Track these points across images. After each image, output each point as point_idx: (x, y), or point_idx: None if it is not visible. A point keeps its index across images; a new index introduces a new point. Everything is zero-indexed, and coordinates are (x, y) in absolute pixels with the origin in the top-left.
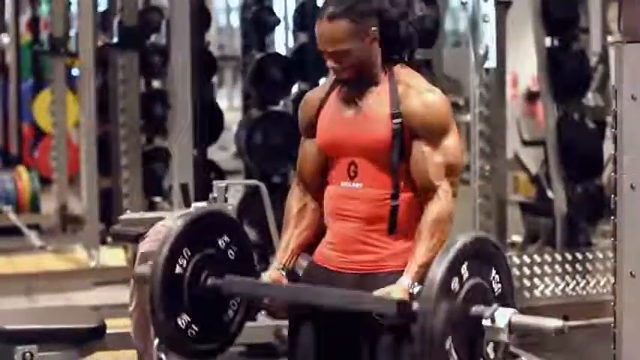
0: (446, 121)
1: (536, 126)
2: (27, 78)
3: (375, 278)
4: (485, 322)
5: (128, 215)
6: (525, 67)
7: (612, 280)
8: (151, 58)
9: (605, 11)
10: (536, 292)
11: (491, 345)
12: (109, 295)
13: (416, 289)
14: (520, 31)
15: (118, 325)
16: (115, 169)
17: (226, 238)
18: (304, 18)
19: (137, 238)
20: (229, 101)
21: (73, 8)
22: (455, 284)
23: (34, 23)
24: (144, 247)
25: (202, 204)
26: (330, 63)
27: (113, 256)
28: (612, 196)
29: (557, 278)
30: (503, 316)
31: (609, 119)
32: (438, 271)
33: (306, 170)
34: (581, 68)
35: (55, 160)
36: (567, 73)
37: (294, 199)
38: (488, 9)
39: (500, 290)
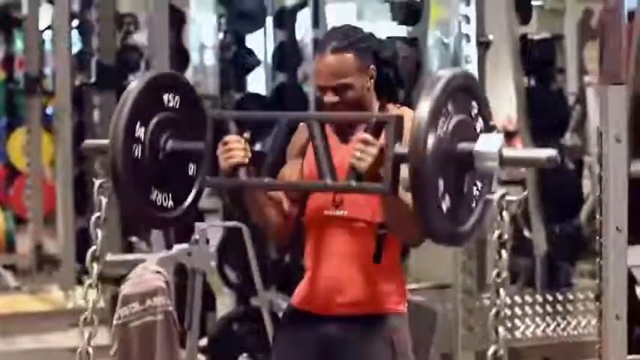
0: None
1: None
2: (0, 116)
3: (359, 322)
4: (477, 148)
5: (109, 257)
6: (500, 106)
7: (593, 321)
8: None
9: (581, 51)
10: (517, 334)
11: (481, 174)
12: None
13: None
14: (494, 71)
15: None
16: (91, 209)
17: (176, 98)
18: (283, 58)
19: (119, 280)
20: None
21: (48, 46)
22: (441, 124)
23: (8, 61)
24: (125, 289)
25: (184, 246)
26: (328, 98)
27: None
28: (597, 238)
29: (537, 319)
30: (494, 142)
31: (587, 159)
32: (424, 111)
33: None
34: (560, 108)
35: (29, 199)
36: (547, 112)
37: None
38: (470, 50)
39: (482, 125)
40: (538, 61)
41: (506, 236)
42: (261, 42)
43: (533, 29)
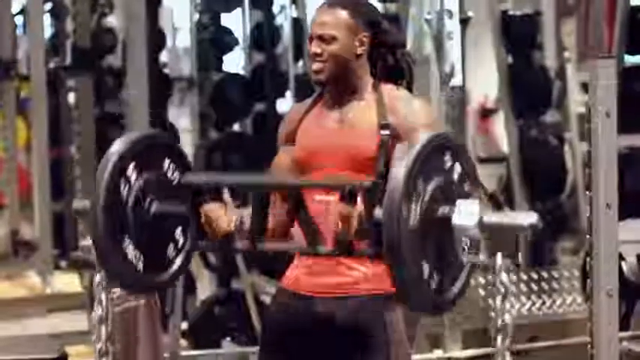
0: (429, 123)
1: (490, 143)
2: None
3: (350, 303)
4: (455, 221)
5: (88, 242)
6: (477, 84)
7: (579, 299)
8: (106, 80)
9: (558, 27)
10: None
11: (463, 243)
12: (65, 322)
13: None
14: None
15: (75, 352)
16: (68, 194)
17: (168, 161)
18: (261, 38)
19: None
20: (177, 123)
21: (20, 30)
22: (419, 186)
23: None
24: None
25: None
26: (312, 47)
27: (67, 282)
28: (587, 215)
29: (522, 298)
30: (472, 213)
31: (567, 135)
32: (398, 176)
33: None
34: (542, 85)
35: (5, 184)
36: (529, 89)
37: None
38: (453, 26)
39: (460, 175)
40: (519, 37)
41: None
42: (238, 22)
43: (509, 6)
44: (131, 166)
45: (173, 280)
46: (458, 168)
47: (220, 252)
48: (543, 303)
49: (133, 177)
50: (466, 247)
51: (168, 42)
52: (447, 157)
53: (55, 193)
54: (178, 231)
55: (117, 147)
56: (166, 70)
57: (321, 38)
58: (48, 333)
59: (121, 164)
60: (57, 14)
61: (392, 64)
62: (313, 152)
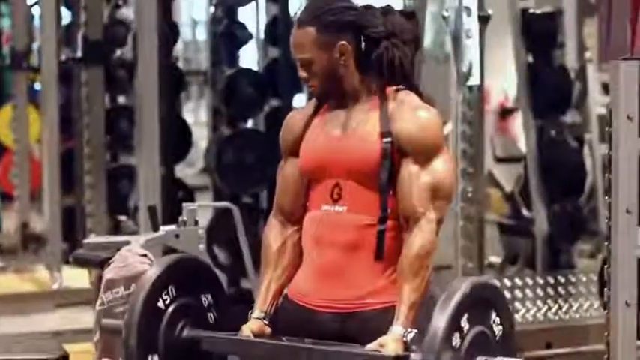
0: (438, 142)
1: (509, 142)
2: None
3: (359, 318)
4: None
5: (93, 239)
6: (497, 83)
7: (596, 304)
8: (117, 73)
9: (580, 27)
10: (518, 317)
11: None
12: (72, 318)
13: (410, 336)
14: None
15: (80, 349)
16: (78, 187)
17: (203, 288)
18: (276, 32)
19: (102, 264)
20: (195, 116)
21: (37, 21)
22: (456, 340)
23: None
24: (109, 273)
25: (171, 227)
26: (299, 73)
27: (76, 277)
28: (606, 221)
29: (538, 302)
30: None
31: (587, 137)
32: (438, 328)
33: (286, 196)
34: (562, 85)
35: (16, 177)
36: (549, 89)
37: (273, 234)
38: (471, 24)
39: (501, 332)
40: (539, 36)
41: None
42: (253, 16)
43: (531, 3)
44: (166, 290)
45: None
46: (497, 324)
47: None
48: (560, 308)
49: (167, 301)
50: None
51: (187, 35)
52: (490, 312)
53: (67, 187)
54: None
55: (155, 270)
56: (179, 64)
57: (302, 62)
58: (54, 330)
59: (156, 287)
60: (71, 5)
61: (383, 56)
62: (319, 163)
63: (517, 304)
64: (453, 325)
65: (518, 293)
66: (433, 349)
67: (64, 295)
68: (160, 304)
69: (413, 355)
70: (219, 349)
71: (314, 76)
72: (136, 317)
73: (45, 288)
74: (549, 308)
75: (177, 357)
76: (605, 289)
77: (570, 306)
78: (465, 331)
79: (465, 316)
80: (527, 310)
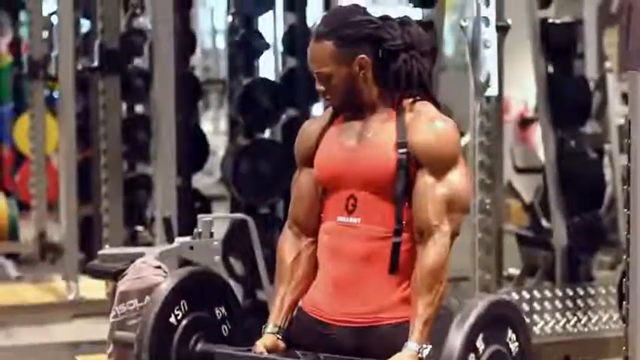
0: (454, 153)
1: (528, 153)
2: (8, 101)
3: (374, 333)
4: None
5: (107, 250)
6: (517, 92)
7: (615, 316)
8: (134, 82)
9: (600, 36)
10: (536, 330)
11: None
12: (88, 329)
13: (425, 352)
14: (510, 56)
15: None
16: (95, 197)
17: (217, 301)
18: (294, 42)
19: (116, 276)
20: (214, 125)
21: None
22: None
23: (15, 45)
24: (123, 285)
25: (186, 239)
26: (317, 86)
27: (94, 288)
28: (625, 233)
29: (557, 315)
30: None
31: (607, 147)
32: (453, 350)
33: (301, 208)
34: (582, 95)
35: (34, 186)
36: (568, 100)
37: (287, 247)
38: (489, 34)
39: (517, 349)
40: (559, 46)
41: None
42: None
43: (551, 13)
44: (178, 305)
45: None
46: (513, 341)
47: None
48: (578, 320)
49: (179, 316)
50: None
51: (208, 43)
52: (506, 329)
53: (84, 196)
54: None
55: (167, 283)
56: (197, 73)
57: (319, 76)
58: (69, 341)
59: (168, 301)
60: (89, 15)
61: (401, 68)
62: (335, 173)
63: (535, 317)
64: (469, 346)
65: (536, 306)
66: None
67: (81, 306)
68: (172, 319)
69: None
70: None
71: (332, 90)
72: (147, 333)
73: (62, 298)
74: (568, 321)
75: None
76: (624, 302)
77: (589, 319)
78: (481, 352)
79: (481, 337)
80: (546, 323)
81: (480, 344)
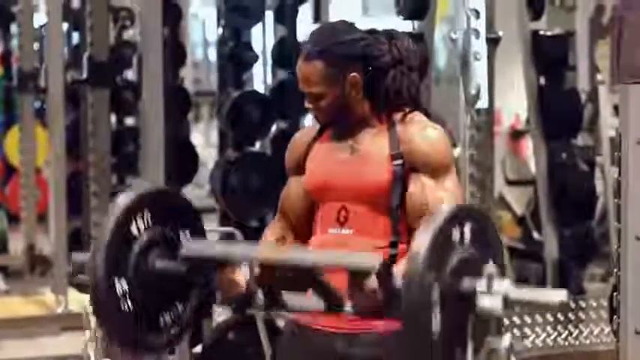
0: (448, 159)
1: (520, 165)
2: None
3: (365, 341)
4: (479, 299)
5: (75, 257)
6: (508, 104)
7: (607, 329)
8: (123, 94)
9: (592, 49)
10: (527, 343)
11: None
12: (77, 342)
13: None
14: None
15: None
16: (85, 209)
17: (182, 223)
18: (283, 54)
19: None
20: (206, 137)
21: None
22: (440, 260)
23: (5, 57)
24: None
25: None
26: (306, 104)
27: (82, 300)
28: (616, 247)
29: (548, 328)
30: (497, 291)
31: (599, 159)
32: (424, 240)
33: (290, 208)
34: (573, 107)
35: (23, 198)
36: (559, 112)
37: (270, 230)
38: (479, 46)
39: (486, 251)
40: (550, 58)
41: None
42: (260, 37)
43: (543, 25)
44: (139, 218)
45: (167, 346)
46: (482, 242)
47: (236, 313)
48: (570, 333)
49: (141, 229)
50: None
51: (199, 55)
52: (470, 230)
53: (73, 209)
54: (180, 296)
55: (126, 198)
56: (187, 85)
57: (310, 96)
58: (59, 354)
59: (128, 215)
60: (78, 27)
61: (392, 86)
62: (325, 185)
63: (526, 330)
64: (439, 243)
65: (527, 319)
66: (416, 270)
67: (70, 318)
68: (134, 228)
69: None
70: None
71: (322, 108)
72: (106, 236)
73: (51, 311)
74: (559, 334)
75: (148, 286)
76: (615, 317)
77: (581, 332)
78: (451, 252)
79: (453, 236)
80: (537, 336)
81: (453, 243)
